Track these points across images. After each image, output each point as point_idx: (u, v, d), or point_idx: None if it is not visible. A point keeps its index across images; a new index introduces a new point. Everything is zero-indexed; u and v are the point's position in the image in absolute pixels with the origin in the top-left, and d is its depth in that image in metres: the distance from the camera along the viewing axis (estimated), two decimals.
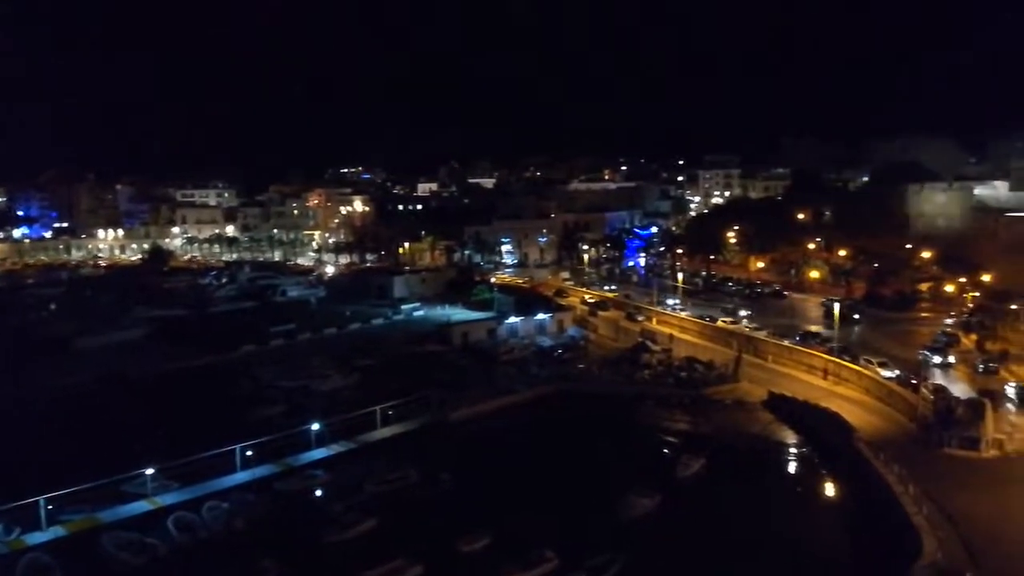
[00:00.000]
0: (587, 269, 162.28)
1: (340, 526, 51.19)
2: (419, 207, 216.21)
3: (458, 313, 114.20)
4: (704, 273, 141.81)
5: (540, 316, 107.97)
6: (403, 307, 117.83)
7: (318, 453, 63.38)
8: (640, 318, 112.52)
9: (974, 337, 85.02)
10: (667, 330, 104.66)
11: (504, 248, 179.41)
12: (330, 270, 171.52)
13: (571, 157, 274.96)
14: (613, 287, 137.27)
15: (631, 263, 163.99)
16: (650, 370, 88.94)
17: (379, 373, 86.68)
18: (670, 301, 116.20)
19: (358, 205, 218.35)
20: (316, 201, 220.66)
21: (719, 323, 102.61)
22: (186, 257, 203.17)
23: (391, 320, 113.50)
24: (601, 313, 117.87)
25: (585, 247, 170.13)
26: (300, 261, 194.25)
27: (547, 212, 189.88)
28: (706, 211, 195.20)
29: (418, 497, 56.45)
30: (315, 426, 64.19)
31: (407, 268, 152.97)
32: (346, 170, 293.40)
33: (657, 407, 79.09)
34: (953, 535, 43.45)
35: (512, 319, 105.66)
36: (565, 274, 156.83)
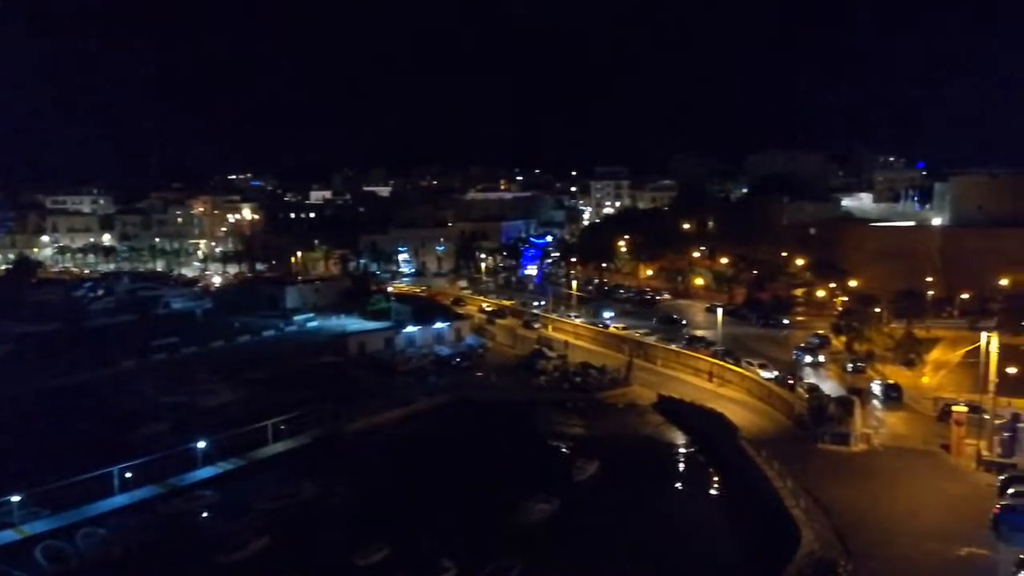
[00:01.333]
0: (484, 278, 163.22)
1: (231, 547, 49.14)
2: (312, 215, 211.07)
3: (354, 323, 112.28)
4: (597, 281, 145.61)
5: (438, 325, 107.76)
6: (296, 318, 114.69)
7: (205, 472, 60.68)
8: (537, 325, 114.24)
9: (843, 339, 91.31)
10: (563, 337, 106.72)
11: (401, 257, 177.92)
12: (217, 281, 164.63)
13: (466, 166, 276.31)
14: (510, 295, 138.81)
15: (527, 271, 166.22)
16: (546, 376, 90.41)
17: (271, 386, 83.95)
18: (606, 310, 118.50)
19: (247, 213, 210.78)
20: (202, 209, 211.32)
21: (611, 329, 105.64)
22: (57, 268, 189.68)
23: (283, 332, 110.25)
24: (499, 321, 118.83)
25: (482, 256, 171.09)
26: (185, 272, 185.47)
27: (444, 221, 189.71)
28: (598, 221, 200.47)
29: (313, 513, 55.07)
30: (201, 443, 61.43)
31: (300, 278, 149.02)
32: (234, 177, 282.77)
33: (553, 412, 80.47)
34: (827, 525, 46.40)
35: (410, 328, 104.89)
36: (463, 283, 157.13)
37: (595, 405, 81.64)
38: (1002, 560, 40.87)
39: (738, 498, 57.17)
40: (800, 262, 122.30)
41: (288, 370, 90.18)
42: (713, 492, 61.44)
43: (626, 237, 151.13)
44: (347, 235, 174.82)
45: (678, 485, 63.46)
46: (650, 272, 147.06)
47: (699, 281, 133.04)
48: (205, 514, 55.96)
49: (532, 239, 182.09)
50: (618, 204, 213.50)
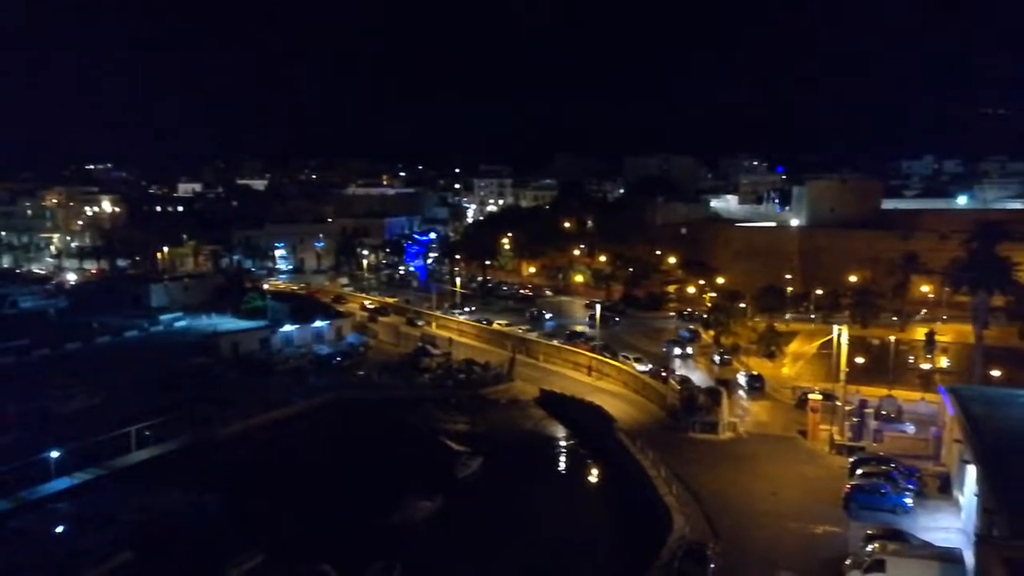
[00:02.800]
0: (366, 275, 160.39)
1: (89, 562, 45.77)
2: (180, 209, 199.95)
3: (227, 322, 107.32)
4: (480, 278, 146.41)
5: (317, 323, 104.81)
6: (162, 318, 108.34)
7: (60, 483, 56.25)
8: (420, 323, 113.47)
9: (711, 333, 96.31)
10: (447, 334, 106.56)
11: (278, 253, 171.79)
12: (73, 278, 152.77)
13: (347, 161, 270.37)
14: (393, 293, 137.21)
15: (411, 268, 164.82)
16: (430, 374, 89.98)
17: (134, 391, 78.77)
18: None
19: (107, 205, 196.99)
20: (55, 200, 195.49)
21: (495, 325, 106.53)
22: None
23: (148, 332, 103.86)
24: (381, 319, 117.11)
25: (364, 252, 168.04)
26: (35, 268, 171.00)
27: (324, 216, 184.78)
28: (482, 218, 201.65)
29: (182, 523, 52.18)
30: (54, 453, 56.82)
31: (167, 275, 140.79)
32: (92, 167, 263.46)
33: (437, 410, 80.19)
34: (697, 510, 48.85)
35: (287, 327, 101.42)
36: (344, 280, 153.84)
37: (479, 401, 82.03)
38: (852, 536, 44.36)
39: (616, 487, 59.07)
40: (673, 260, 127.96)
41: (153, 373, 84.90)
42: (592, 482, 63.18)
43: (509, 235, 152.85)
44: (219, 230, 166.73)
45: (559, 477, 64.77)
46: (532, 269, 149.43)
47: (579, 278, 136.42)
48: (60, 529, 51.80)
49: (416, 236, 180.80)
50: (501, 202, 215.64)
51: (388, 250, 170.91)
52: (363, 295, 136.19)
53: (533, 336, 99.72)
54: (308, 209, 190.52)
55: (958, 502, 48.58)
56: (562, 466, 67.40)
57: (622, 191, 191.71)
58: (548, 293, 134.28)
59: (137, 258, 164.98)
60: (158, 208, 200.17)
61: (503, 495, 57.91)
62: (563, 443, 71.62)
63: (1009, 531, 33.63)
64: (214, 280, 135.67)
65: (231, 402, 75.09)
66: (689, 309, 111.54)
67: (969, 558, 34.53)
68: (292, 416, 76.06)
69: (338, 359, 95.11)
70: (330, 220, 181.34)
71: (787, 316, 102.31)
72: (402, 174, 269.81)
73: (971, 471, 44.57)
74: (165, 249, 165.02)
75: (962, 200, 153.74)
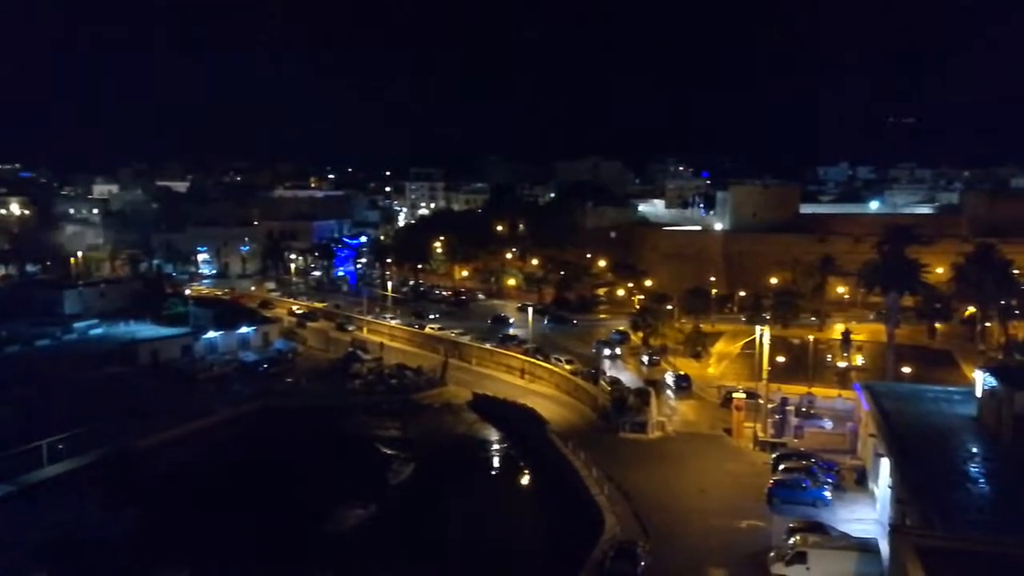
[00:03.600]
0: (295, 279, 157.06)
1: None
2: (95, 211, 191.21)
3: (146, 330, 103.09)
4: (412, 282, 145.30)
5: (243, 330, 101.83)
6: (76, 325, 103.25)
7: None
8: (351, 328, 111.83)
9: (640, 334, 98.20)
10: (378, 338, 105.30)
11: (201, 257, 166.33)
12: None
13: (274, 162, 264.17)
14: (322, 297, 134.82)
15: (341, 272, 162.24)
16: (361, 379, 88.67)
17: (45, 402, 74.77)
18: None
19: (15, 208, 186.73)
20: None
21: (427, 329, 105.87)
22: None
23: (61, 340, 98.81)
24: (310, 324, 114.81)
25: (292, 256, 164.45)
26: None
27: (249, 219, 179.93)
28: (413, 221, 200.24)
29: (97, 539, 49.80)
30: None
31: (81, 281, 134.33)
32: None
33: (368, 416, 79.11)
34: (628, 510, 49.66)
35: (211, 334, 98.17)
36: (271, 284, 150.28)
37: (411, 406, 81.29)
38: (775, 530, 45.87)
39: (548, 489, 59.46)
40: (603, 263, 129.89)
41: (67, 383, 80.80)
42: (526, 485, 63.42)
43: (441, 238, 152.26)
44: (137, 233, 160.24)
45: (492, 481, 64.78)
46: (465, 273, 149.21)
47: (511, 282, 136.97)
48: None
49: (345, 239, 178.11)
50: (433, 205, 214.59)
51: (317, 254, 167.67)
52: (291, 300, 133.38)
53: (466, 340, 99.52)
54: (233, 212, 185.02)
55: (874, 494, 50.85)
56: (495, 469, 67.43)
57: (553, 195, 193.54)
58: (481, 296, 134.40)
59: (48, 263, 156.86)
60: (71, 211, 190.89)
61: (436, 500, 57.53)
62: (496, 446, 71.66)
63: (920, 520, 35.43)
64: (132, 286, 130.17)
65: (151, 412, 72.22)
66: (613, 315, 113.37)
67: (884, 547, 36.15)
68: (217, 426, 73.66)
69: (265, 366, 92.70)
70: (256, 223, 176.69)
71: (712, 317, 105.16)
72: (331, 176, 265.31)
73: (885, 464, 46.76)
74: (79, 253, 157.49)
75: (874, 205, 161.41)
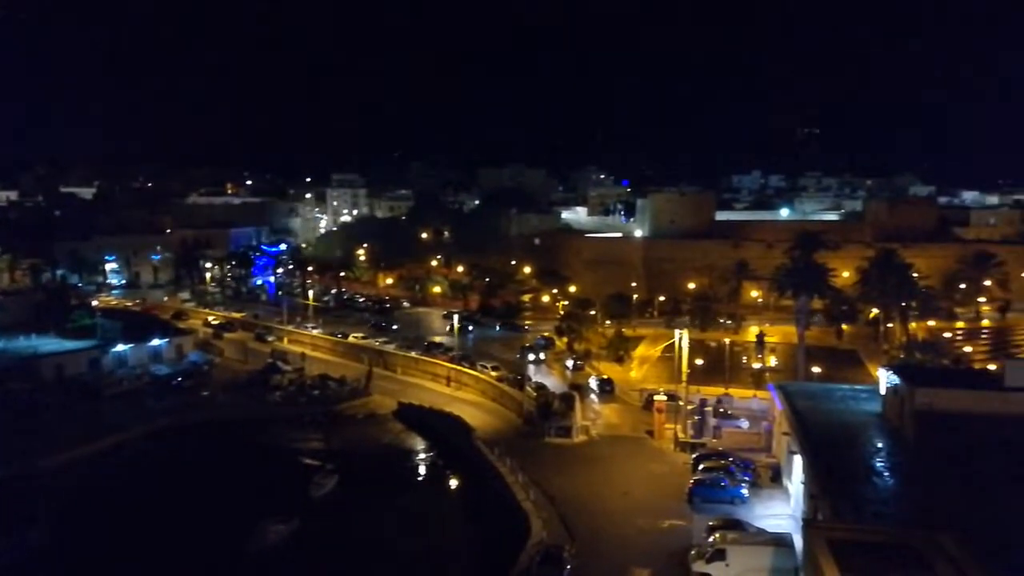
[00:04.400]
0: (210, 289, 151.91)
1: None
2: None
3: (49, 343, 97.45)
4: (335, 290, 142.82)
5: (155, 342, 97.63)
6: None
7: None
8: (270, 338, 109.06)
9: (565, 340, 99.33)
10: (299, 349, 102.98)
11: (109, 267, 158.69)
12: None
13: (188, 167, 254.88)
14: (240, 307, 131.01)
15: (260, 281, 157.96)
16: (282, 391, 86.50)
17: None
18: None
19: None
20: None
21: (351, 338, 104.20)
22: None
23: None
24: (227, 335, 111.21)
25: (208, 265, 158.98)
26: None
27: (161, 227, 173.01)
28: (335, 229, 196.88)
29: None
30: None
31: None
32: None
33: (290, 428, 77.19)
34: (554, 514, 50.04)
35: (120, 347, 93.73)
36: (185, 295, 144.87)
37: (334, 417, 79.77)
38: (696, 528, 47.08)
39: (475, 496, 59.31)
40: (527, 270, 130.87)
41: None
42: (452, 493, 63.09)
43: (365, 246, 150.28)
44: (39, 242, 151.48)
45: (419, 490, 64.13)
46: (389, 280, 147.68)
47: (437, 289, 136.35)
48: None
49: (264, 247, 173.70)
50: (356, 212, 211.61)
51: (234, 262, 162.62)
52: (207, 310, 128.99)
53: (391, 348, 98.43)
54: (143, 219, 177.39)
55: (788, 490, 52.86)
56: (422, 479, 66.84)
57: (477, 202, 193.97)
58: (406, 304, 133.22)
59: None
60: None
61: (361, 512, 56.56)
62: (422, 455, 71.07)
63: (831, 514, 37.05)
64: (34, 297, 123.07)
65: (55, 431, 68.37)
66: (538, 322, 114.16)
67: (798, 541, 37.59)
68: (128, 442, 70.38)
69: (179, 380, 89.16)
70: (168, 231, 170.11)
71: (634, 322, 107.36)
72: (248, 183, 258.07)
73: (798, 461, 48.71)
74: None
75: (784, 212, 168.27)
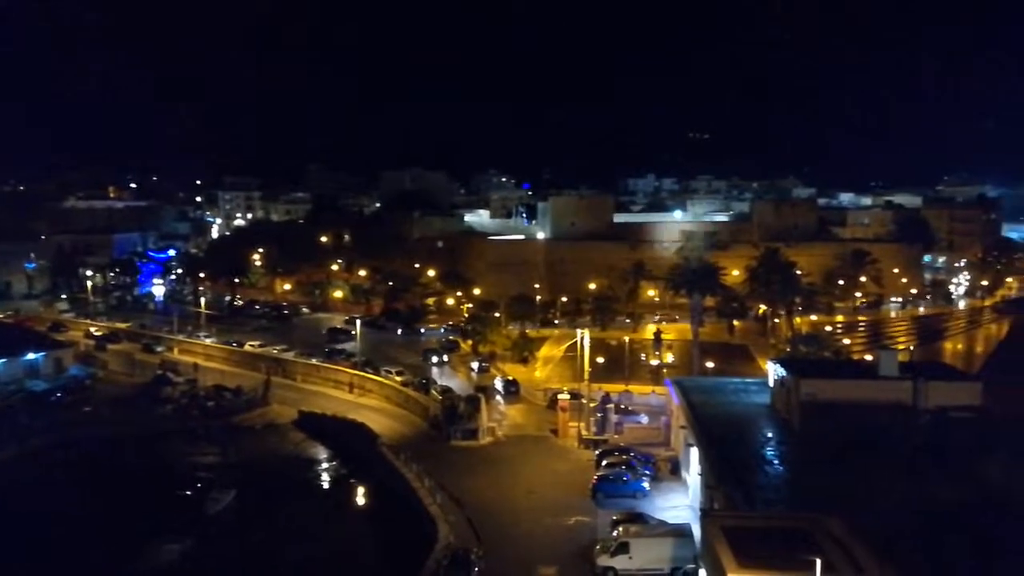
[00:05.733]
0: (92, 298, 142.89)
1: None
2: None
3: None
4: (229, 297, 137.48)
5: (30, 356, 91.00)
6: None
7: None
8: (160, 349, 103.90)
9: (470, 342, 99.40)
10: (191, 359, 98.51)
11: None
12: None
13: (65, 169, 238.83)
14: (125, 317, 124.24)
15: (147, 290, 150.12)
16: (173, 404, 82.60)
17: None
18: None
19: None
20: None
21: (247, 347, 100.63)
22: None
23: None
24: (111, 347, 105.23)
25: (88, 273, 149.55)
26: None
27: (36, 233, 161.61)
28: (228, 233, 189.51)
29: None
30: None
31: None
32: None
33: (183, 443, 73.80)
34: (461, 517, 49.87)
35: None
36: (63, 305, 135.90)
37: (231, 429, 76.80)
38: (600, 523, 48.07)
39: (382, 503, 58.51)
40: (431, 273, 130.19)
41: None
42: (358, 501, 61.93)
43: (260, 251, 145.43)
44: None
45: (322, 500, 62.57)
46: (288, 286, 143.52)
47: (338, 294, 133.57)
48: None
49: (151, 254, 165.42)
50: (250, 216, 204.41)
51: (118, 270, 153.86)
52: (88, 321, 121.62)
53: (290, 356, 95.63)
54: (15, 224, 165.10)
55: (686, 482, 54.79)
56: (326, 488, 65.24)
57: (378, 205, 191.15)
58: (305, 310, 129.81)
59: None
60: None
61: (261, 526, 54.63)
62: (325, 464, 69.43)
63: (726, 503, 38.67)
64: None
65: None
66: (450, 323, 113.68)
67: (697, 531, 39.01)
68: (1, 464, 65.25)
69: (58, 395, 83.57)
70: (43, 237, 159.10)
71: (537, 323, 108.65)
72: (133, 186, 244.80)
73: (694, 453, 50.59)
74: None
75: (678, 214, 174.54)
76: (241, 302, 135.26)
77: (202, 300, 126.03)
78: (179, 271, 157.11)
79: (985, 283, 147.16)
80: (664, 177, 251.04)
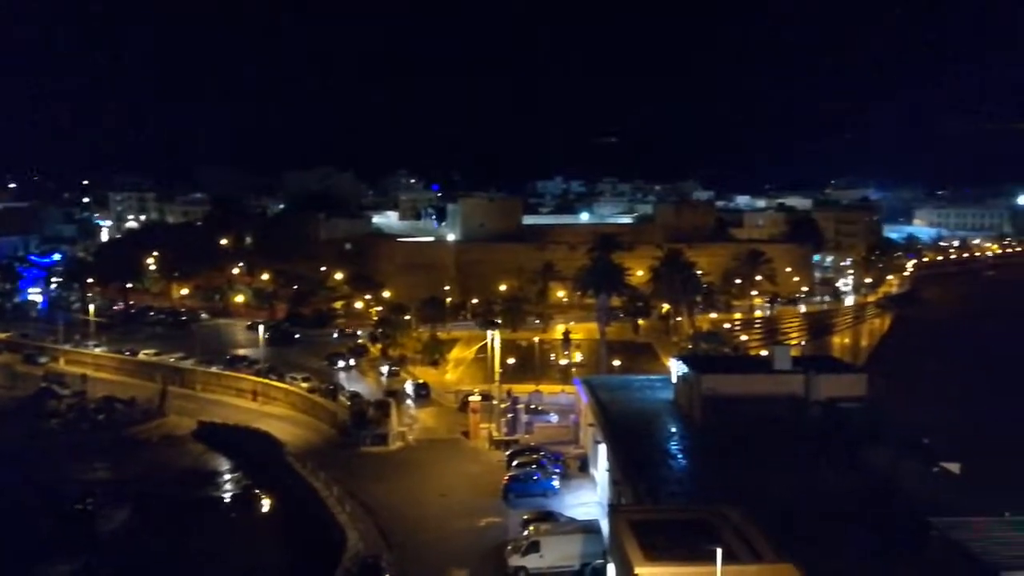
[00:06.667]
0: None
1: None
2: None
3: None
4: (121, 304, 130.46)
5: None
6: None
7: None
8: (43, 359, 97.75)
9: (379, 346, 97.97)
10: (79, 369, 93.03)
11: None
12: None
13: None
14: (5, 326, 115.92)
15: (29, 296, 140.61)
16: (60, 418, 77.80)
17: None
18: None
19: None
20: None
21: (141, 355, 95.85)
22: None
23: None
24: None
25: None
26: None
27: None
28: (120, 236, 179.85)
29: None
30: None
31: None
32: None
33: (71, 459, 69.35)
34: (372, 524, 49.03)
35: None
36: None
37: (124, 442, 72.93)
38: (511, 523, 48.29)
39: (288, 514, 56.85)
40: (339, 276, 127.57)
41: None
42: (264, 513, 59.98)
43: (155, 254, 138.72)
44: None
45: (225, 514, 60.31)
46: (185, 291, 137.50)
47: (239, 298, 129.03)
48: None
49: (33, 258, 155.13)
50: (144, 218, 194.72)
51: None
52: None
53: (188, 364, 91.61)
54: None
55: (595, 478, 55.78)
56: (228, 501, 62.85)
57: (283, 206, 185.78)
58: (204, 316, 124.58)
59: None
60: None
61: (158, 544, 52.05)
62: (228, 476, 66.89)
63: (633, 497, 39.61)
64: None
65: None
66: (351, 329, 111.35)
67: (605, 526, 39.77)
68: None
69: None
70: None
71: (448, 325, 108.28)
72: (12, 186, 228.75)
73: (602, 450, 51.58)
74: None
75: (584, 216, 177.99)
76: (134, 309, 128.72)
77: (91, 307, 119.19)
78: (65, 276, 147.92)
79: (869, 280, 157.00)
80: (572, 179, 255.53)
